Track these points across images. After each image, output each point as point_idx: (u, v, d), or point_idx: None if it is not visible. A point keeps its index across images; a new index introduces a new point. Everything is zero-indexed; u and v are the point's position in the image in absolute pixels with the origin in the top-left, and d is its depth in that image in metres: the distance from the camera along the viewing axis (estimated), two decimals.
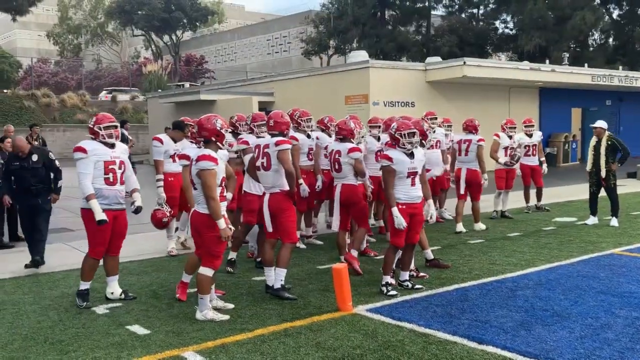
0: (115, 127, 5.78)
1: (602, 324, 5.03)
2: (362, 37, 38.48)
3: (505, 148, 10.68)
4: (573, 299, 5.77)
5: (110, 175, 5.70)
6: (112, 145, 5.75)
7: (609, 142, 9.59)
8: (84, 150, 5.60)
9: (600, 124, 9.77)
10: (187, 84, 32.13)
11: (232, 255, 7.12)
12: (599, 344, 4.59)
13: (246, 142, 7.12)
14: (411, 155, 5.91)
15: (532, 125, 11.39)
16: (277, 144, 5.94)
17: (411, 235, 6.03)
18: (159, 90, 31.61)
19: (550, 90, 22.27)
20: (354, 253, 7.08)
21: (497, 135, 10.67)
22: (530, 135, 11.24)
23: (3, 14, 36.36)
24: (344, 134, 7.18)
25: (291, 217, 5.96)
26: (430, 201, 6.23)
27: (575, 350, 4.47)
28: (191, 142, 7.78)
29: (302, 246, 8.43)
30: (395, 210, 5.81)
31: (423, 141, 6.45)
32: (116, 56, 59.16)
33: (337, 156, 7.13)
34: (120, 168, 5.78)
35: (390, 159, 5.86)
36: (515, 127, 10.88)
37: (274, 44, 53.43)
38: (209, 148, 5.26)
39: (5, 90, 33.42)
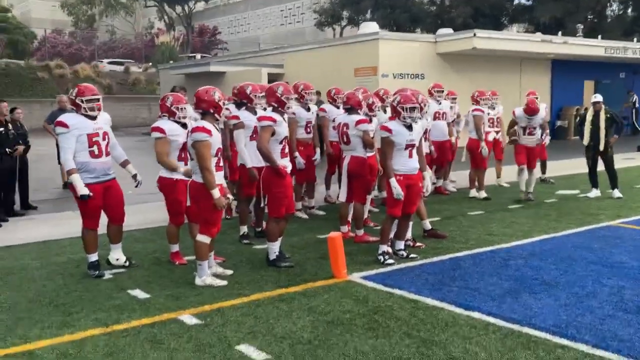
0: (98, 100, 5.77)
1: (588, 293, 5.16)
2: (376, 8, 38.10)
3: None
4: (563, 268, 5.90)
5: (95, 147, 5.70)
6: (94, 117, 5.75)
7: (608, 116, 9.64)
8: (65, 125, 5.60)
9: (599, 97, 9.84)
10: (198, 56, 32.17)
11: (243, 229, 7.28)
12: (582, 310, 4.73)
13: (236, 117, 7.16)
14: (410, 127, 6.02)
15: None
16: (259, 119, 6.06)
17: (408, 206, 6.16)
18: (171, 62, 31.70)
19: (563, 63, 22.05)
20: (360, 232, 7.21)
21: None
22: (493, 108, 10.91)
23: None
24: (352, 104, 7.24)
25: (275, 193, 5.96)
26: (427, 173, 6.34)
27: (557, 316, 4.61)
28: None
29: (304, 216, 8.60)
30: (393, 180, 5.93)
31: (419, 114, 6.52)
32: (130, 27, 59.11)
33: (345, 129, 7.21)
34: (104, 139, 5.79)
35: (390, 130, 5.97)
36: (497, 97, 10.64)
37: (287, 14, 53.01)
38: (206, 120, 5.40)
39: (19, 62, 33.68)
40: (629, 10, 38.34)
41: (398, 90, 6.83)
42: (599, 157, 9.81)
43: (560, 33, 23.60)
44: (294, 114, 8.14)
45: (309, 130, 8.38)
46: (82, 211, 5.81)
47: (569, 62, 22.02)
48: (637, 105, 22.70)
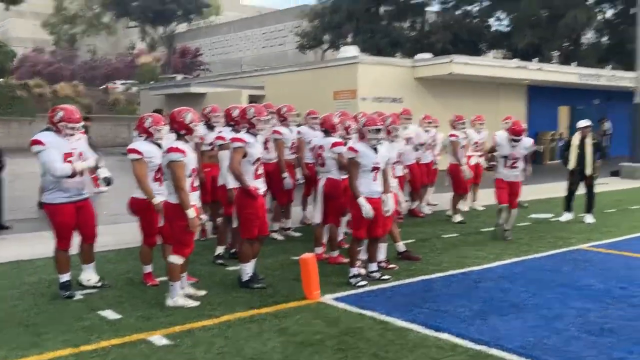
0: (79, 128, 5.78)
1: (555, 315, 5.25)
2: (357, 32, 38.61)
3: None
4: (532, 291, 5.99)
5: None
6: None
7: (594, 141, 9.86)
8: (40, 143, 5.55)
9: (587, 122, 10.00)
10: (179, 77, 32.26)
11: (220, 249, 7.29)
12: (548, 332, 4.81)
13: (222, 138, 7.23)
14: (375, 150, 6.12)
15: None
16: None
17: (373, 229, 6.23)
18: (152, 83, 31.73)
19: (539, 89, 22.47)
20: (334, 254, 7.25)
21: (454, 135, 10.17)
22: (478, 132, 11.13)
23: None
24: (327, 127, 7.35)
25: (247, 214, 5.99)
26: (390, 195, 6.40)
27: (524, 338, 4.69)
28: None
29: (280, 238, 8.63)
30: (361, 199, 6.00)
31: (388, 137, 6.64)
32: (111, 47, 59.15)
33: (320, 151, 7.31)
34: (79, 159, 5.77)
35: (356, 151, 6.06)
36: (483, 123, 10.89)
37: (270, 37, 53.46)
38: (179, 140, 5.45)
39: None
40: (604, 39, 39.29)
41: (363, 114, 6.98)
42: (583, 182, 9.93)
43: (536, 60, 24.10)
44: (280, 134, 8.25)
45: (293, 151, 8.48)
46: (57, 232, 5.79)
47: (544, 88, 22.45)
48: (608, 132, 23.20)
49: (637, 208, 11.52)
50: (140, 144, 6.00)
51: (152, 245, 6.20)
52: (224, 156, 7.07)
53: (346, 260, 7.03)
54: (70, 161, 5.67)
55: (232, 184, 6.90)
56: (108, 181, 6.02)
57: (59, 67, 44.36)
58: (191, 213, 5.30)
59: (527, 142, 8.64)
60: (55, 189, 5.66)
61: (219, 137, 7.24)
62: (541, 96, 22.80)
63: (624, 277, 6.49)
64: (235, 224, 7.13)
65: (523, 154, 8.63)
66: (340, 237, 8.08)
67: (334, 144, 7.13)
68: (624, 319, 5.16)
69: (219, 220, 7.70)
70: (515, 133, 8.45)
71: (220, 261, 7.18)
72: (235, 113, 7.05)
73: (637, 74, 18.01)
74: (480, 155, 10.71)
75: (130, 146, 6.06)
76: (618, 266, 7.01)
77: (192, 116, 5.51)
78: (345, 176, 7.18)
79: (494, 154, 8.93)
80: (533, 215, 10.60)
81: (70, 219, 5.74)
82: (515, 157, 8.55)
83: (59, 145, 5.64)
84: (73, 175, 5.63)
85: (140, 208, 6.00)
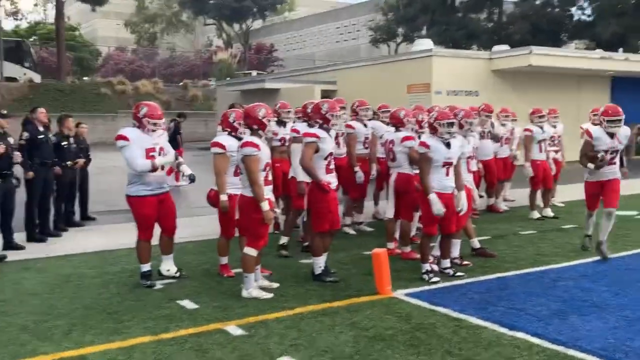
0: (161, 124, 6.03)
1: (639, 316, 5.01)
2: (431, 24, 38.04)
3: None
4: (615, 291, 5.75)
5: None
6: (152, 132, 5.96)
7: None
8: (125, 138, 5.82)
9: None
10: (254, 72, 32.83)
11: (284, 239, 7.40)
12: (632, 334, 4.61)
13: (296, 131, 7.32)
14: (448, 145, 6.02)
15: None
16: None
17: (445, 225, 6.14)
18: (228, 79, 32.43)
19: (624, 80, 21.43)
20: (407, 249, 7.21)
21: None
22: (547, 127, 10.62)
23: (83, 4, 38.11)
24: (395, 123, 7.32)
25: (319, 208, 6.03)
26: (462, 192, 6.27)
27: (605, 340, 4.51)
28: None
29: (352, 232, 8.65)
30: (433, 196, 5.93)
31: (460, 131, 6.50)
32: (190, 44, 60.84)
33: (391, 145, 7.28)
34: (160, 154, 5.98)
35: (428, 146, 5.99)
36: (557, 116, 10.38)
37: (343, 32, 53.53)
38: (253, 135, 5.55)
39: (84, 78, 35.12)
40: None
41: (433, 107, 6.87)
42: None
43: (621, 50, 23.00)
44: (353, 129, 8.27)
45: (366, 145, 8.46)
46: (138, 222, 6.04)
47: (630, 79, 21.39)
48: None
49: None
50: (224, 138, 6.15)
51: (230, 237, 6.35)
52: (296, 149, 7.15)
53: (418, 255, 6.98)
54: (152, 156, 5.89)
55: (301, 176, 6.98)
56: (192, 178, 6.27)
57: (140, 65, 45.97)
58: (265, 206, 5.40)
59: (625, 130, 7.20)
60: (138, 182, 5.91)
61: (293, 130, 7.34)
62: (627, 87, 21.72)
63: None
64: (306, 218, 7.23)
65: (622, 146, 7.25)
66: (413, 232, 8.03)
67: (404, 138, 7.08)
68: None
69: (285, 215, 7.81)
70: (615, 114, 6.99)
71: (284, 252, 7.27)
72: (325, 107, 6.98)
73: None
74: (557, 150, 10.33)
75: (215, 139, 6.23)
76: None
77: (265, 111, 5.61)
78: (417, 171, 7.13)
79: (597, 154, 7.10)
80: (617, 213, 10.10)
81: (152, 211, 5.98)
82: (615, 149, 7.15)
83: (142, 141, 5.89)
84: (154, 169, 5.85)
85: (219, 201, 6.16)
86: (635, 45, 28.56)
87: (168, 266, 6.38)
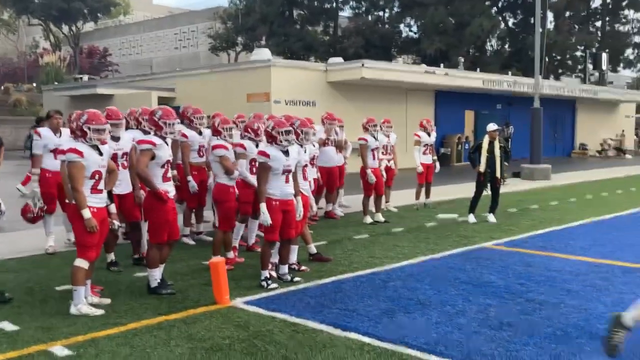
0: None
1: (458, 311, 5.46)
2: (270, 35, 38.63)
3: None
4: (437, 288, 6.20)
5: None
6: None
7: (502, 145, 10.27)
8: None
9: (495, 126, 10.34)
10: (85, 77, 31.07)
11: (110, 256, 7.02)
12: (451, 328, 5.00)
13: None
14: (286, 152, 6.15)
15: (430, 125, 11.89)
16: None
17: (286, 231, 6.26)
18: (56, 83, 30.41)
19: (446, 93, 23.31)
20: (230, 255, 7.13)
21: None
22: (429, 134, 11.77)
23: None
24: (212, 129, 7.29)
25: (156, 218, 5.87)
26: (299, 199, 6.45)
27: (428, 334, 4.84)
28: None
29: (191, 242, 8.49)
30: (263, 206, 6.01)
31: (297, 140, 6.66)
32: (12, 46, 56.15)
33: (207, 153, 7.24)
34: None
35: (267, 155, 6.07)
36: (391, 126, 11.17)
37: (182, 38, 52.47)
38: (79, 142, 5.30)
39: None
40: (506, 46, 41.32)
41: (269, 117, 7.00)
42: (491, 184, 10.23)
43: (442, 65, 24.99)
44: (186, 137, 8.10)
45: (202, 154, 8.33)
46: None
47: (451, 93, 23.31)
48: (511, 136, 24.40)
49: (536, 208, 12.16)
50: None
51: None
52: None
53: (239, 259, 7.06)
54: None
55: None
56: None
57: None
58: (86, 213, 5.15)
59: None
60: None
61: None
62: (448, 101, 23.65)
63: (522, 274, 6.83)
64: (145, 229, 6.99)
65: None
66: (253, 240, 8.08)
67: (214, 147, 6.94)
68: (521, 313, 5.43)
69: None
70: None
71: (114, 268, 6.97)
72: (159, 114, 6.66)
73: (536, 80, 19.00)
74: (390, 159, 10.99)
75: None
76: (517, 263, 7.36)
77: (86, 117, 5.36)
78: (227, 182, 6.95)
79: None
80: (440, 216, 10.96)
81: None
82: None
83: None
84: None
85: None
86: (455, 61, 31.14)
87: None
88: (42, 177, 7.47)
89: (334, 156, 10.52)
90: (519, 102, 26.44)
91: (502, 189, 10.83)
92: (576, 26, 40.16)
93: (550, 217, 10.87)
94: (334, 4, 40.45)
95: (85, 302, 5.40)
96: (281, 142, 6.12)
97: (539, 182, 17.33)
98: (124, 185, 6.83)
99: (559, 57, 39.96)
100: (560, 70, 41.25)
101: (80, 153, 5.19)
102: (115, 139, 6.83)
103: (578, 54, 41.32)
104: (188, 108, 8.58)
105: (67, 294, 5.78)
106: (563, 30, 37.33)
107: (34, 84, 37.07)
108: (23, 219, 6.89)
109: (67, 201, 5.78)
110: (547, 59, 33.80)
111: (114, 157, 6.76)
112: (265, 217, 6.00)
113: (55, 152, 6.69)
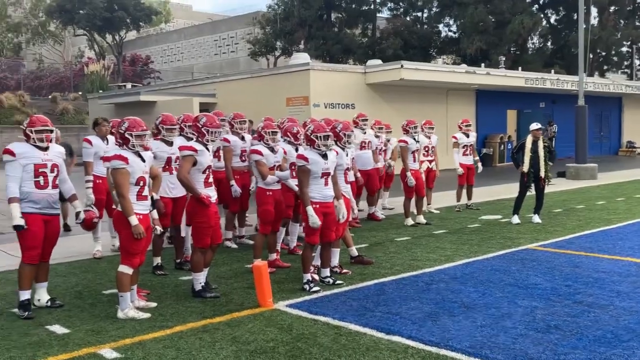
0: (49, 131, 5.64)
1: (503, 314, 5.37)
2: (309, 38, 38.78)
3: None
4: (482, 291, 6.11)
5: (41, 178, 5.56)
6: (45, 148, 5.63)
7: (545, 144, 10.07)
8: (11, 153, 5.50)
9: (538, 125, 10.15)
10: (129, 85, 31.71)
11: (156, 260, 7.14)
12: (497, 331, 4.92)
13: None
14: (325, 156, 6.17)
15: (470, 125, 11.78)
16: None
17: (326, 234, 6.28)
18: (100, 91, 31.15)
19: (487, 93, 22.99)
20: (272, 257, 7.20)
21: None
22: (467, 135, 11.63)
23: None
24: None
25: (199, 223, 5.94)
26: (341, 200, 6.46)
27: (473, 337, 4.78)
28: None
29: (234, 246, 8.58)
30: (310, 209, 6.05)
31: (339, 143, 6.68)
32: (59, 56, 57.76)
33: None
34: (52, 171, 5.64)
35: (306, 159, 6.10)
36: (433, 128, 11.06)
37: (221, 44, 53.10)
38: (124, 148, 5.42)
39: None
40: (549, 44, 40.54)
41: (311, 120, 7.03)
42: (535, 184, 10.04)
43: (483, 65, 24.66)
44: (228, 142, 8.19)
45: (244, 158, 8.41)
46: (23, 243, 5.55)
47: (492, 92, 22.98)
48: (554, 135, 23.92)
49: (582, 207, 11.89)
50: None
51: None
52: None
53: (285, 264, 7.08)
54: (43, 172, 5.57)
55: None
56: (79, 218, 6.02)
57: (3, 77, 43.04)
58: (134, 220, 5.24)
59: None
60: (26, 199, 5.52)
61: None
62: (489, 100, 23.32)
63: (569, 275, 6.69)
64: (183, 233, 7.10)
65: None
66: (294, 243, 8.11)
67: (251, 152, 7.05)
68: (569, 315, 5.31)
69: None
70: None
71: (160, 272, 7.08)
72: (202, 121, 6.75)
73: (580, 78, 18.58)
74: (431, 160, 10.91)
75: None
76: (563, 264, 7.21)
77: (128, 124, 5.49)
78: (266, 186, 6.93)
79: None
80: (483, 217, 10.81)
81: (39, 229, 5.55)
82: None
83: (32, 156, 5.55)
84: (9, 202, 5.45)
85: None
86: (496, 60, 30.70)
87: (39, 295, 5.90)
88: (94, 183, 7.70)
89: (370, 158, 10.44)
90: (563, 100, 25.90)
91: (547, 189, 10.61)
92: (621, 21, 39.07)
93: (597, 217, 10.61)
94: (372, 6, 40.34)
95: (132, 306, 5.50)
96: (319, 146, 6.14)
97: (585, 181, 16.94)
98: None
99: (603, 53, 39.00)
100: (605, 67, 40.25)
101: (125, 159, 5.30)
102: (169, 143, 7.00)
103: (624, 49, 40.24)
104: (231, 114, 8.66)
105: (115, 297, 5.90)
106: (607, 25, 36.35)
107: (80, 93, 38.01)
108: (86, 226, 6.66)
109: (113, 207, 5.92)
110: (591, 56, 33.09)
111: (168, 161, 6.98)
112: (314, 218, 6.03)
113: (102, 159, 6.85)
